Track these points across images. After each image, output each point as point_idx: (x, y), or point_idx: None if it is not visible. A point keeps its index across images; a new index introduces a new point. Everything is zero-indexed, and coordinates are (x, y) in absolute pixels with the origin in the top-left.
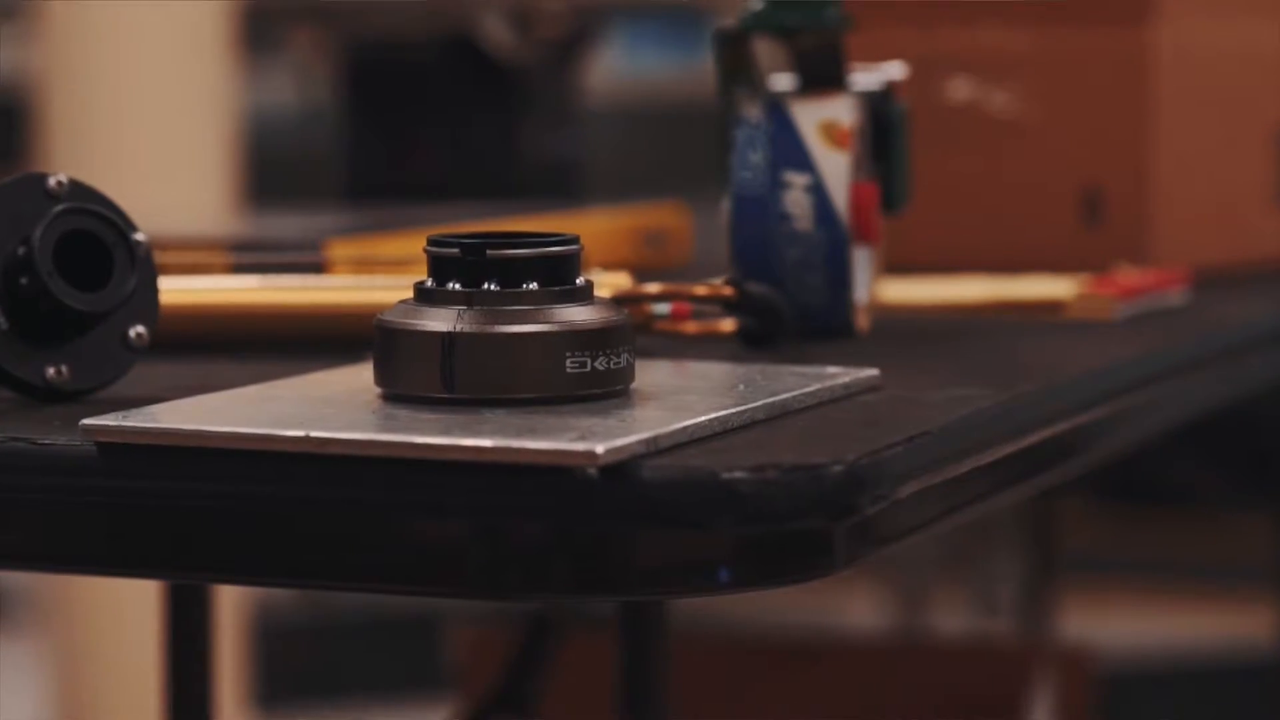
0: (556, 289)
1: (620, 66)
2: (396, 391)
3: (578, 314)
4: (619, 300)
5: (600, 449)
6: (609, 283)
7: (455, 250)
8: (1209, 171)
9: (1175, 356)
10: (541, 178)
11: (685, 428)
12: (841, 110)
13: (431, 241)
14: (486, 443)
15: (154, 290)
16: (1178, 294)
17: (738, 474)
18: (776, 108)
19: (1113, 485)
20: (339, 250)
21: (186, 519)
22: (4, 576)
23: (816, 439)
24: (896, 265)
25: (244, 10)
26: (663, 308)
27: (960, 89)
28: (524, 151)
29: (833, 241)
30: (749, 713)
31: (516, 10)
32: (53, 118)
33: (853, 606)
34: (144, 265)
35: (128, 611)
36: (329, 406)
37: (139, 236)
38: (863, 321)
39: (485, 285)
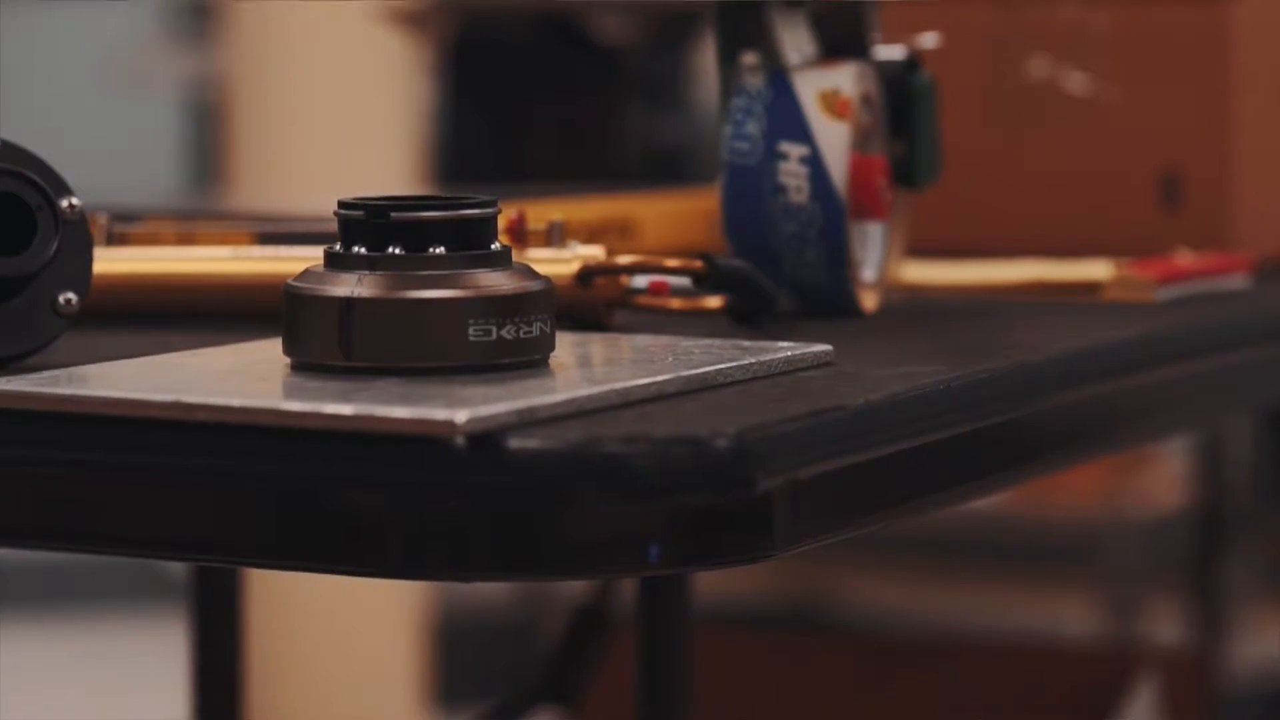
0: (466, 254)
1: None
2: (302, 359)
3: (484, 280)
4: (590, 272)
5: (462, 418)
6: (583, 254)
7: (360, 213)
8: None
9: (1184, 344)
10: (646, 162)
11: (573, 399)
12: (844, 79)
13: (341, 204)
14: (347, 410)
15: (86, 257)
16: (1240, 279)
17: (610, 446)
18: (777, 75)
19: None
20: None
21: (65, 485)
22: (170, 568)
23: (716, 412)
24: (964, 248)
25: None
26: (640, 282)
27: (1039, 68)
28: (628, 136)
29: (829, 216)
30: (821, 709)
31: None
32: (240, 115)
33: (1069, 614)
34: (73, 230)
35: (294, 603)
36: (230, 375)
37: (71, 201)
38: (869, 301)
39: (390, 249)
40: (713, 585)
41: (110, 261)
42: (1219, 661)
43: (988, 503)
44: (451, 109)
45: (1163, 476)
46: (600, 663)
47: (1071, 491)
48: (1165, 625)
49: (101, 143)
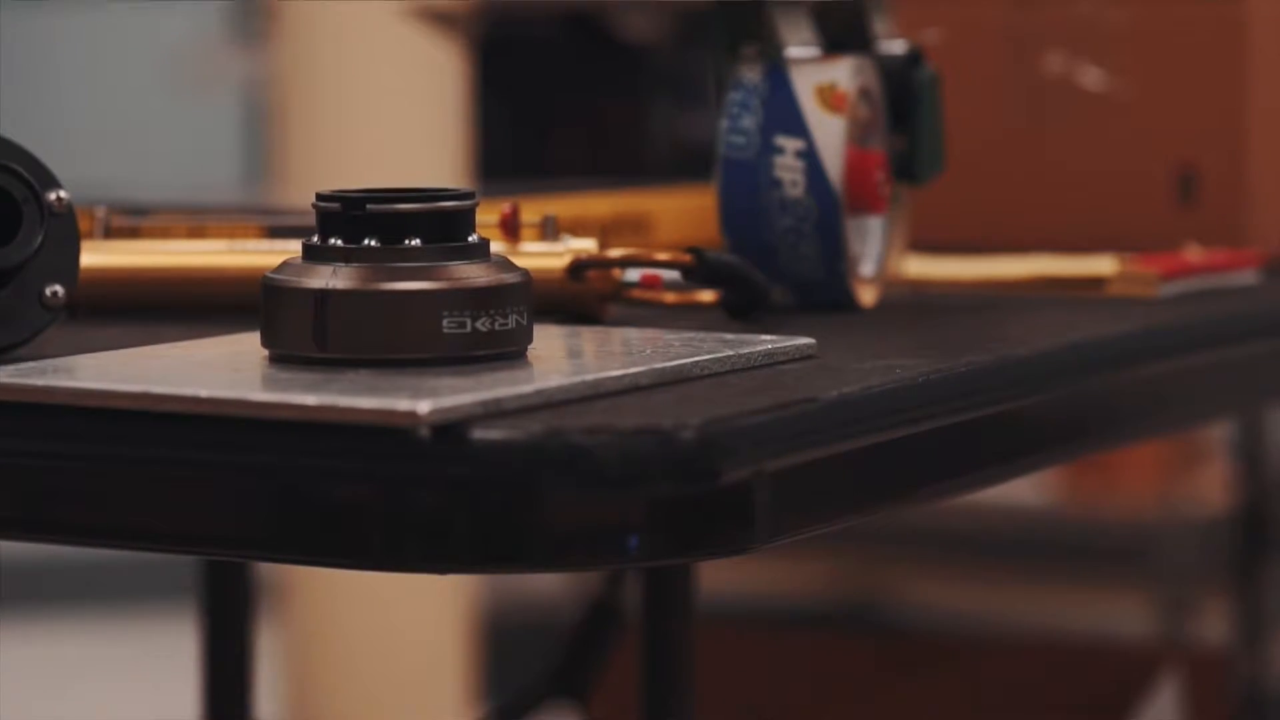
0: (443, 246)
1: None
2: (279, 351)
3: (459, 272)
4: (580, 265)
5: (425, 408)
6: (574, 248)
7: (336, 205)
8: None
9: (1181, 340)
10: (673, 159)
11: (541, 390)
12: (841, 73)
13: (319, 196)
14: (311, 400)
15: (73, 249)
16: (1249, 275)
17: (574, 437)
18: (773, 69)
19: None
20: None
21: (41, 476)
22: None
23: (686, 403)
24: (979, 243)
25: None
26: (632, 275)
27: (1055, 63)
28: (655, 133)
29: (825, 210)
30: (849, 707)
31: None
32: (292, 114)
33: (1123, 615)
34: (60, 223)
35: (342, 602)
36: (206, 366)
37: (58, 194)
38: (867, 295)
39: (366, 241)
40: (762, 585)
41: (105, 255)
42: (1258, 661)
43: (1042, 503)
44: (478, 106)
45: (1218, 476)
46: (612, 657)
47: (1126, 492)
48: (1217, 625)
49: (165, 141)
